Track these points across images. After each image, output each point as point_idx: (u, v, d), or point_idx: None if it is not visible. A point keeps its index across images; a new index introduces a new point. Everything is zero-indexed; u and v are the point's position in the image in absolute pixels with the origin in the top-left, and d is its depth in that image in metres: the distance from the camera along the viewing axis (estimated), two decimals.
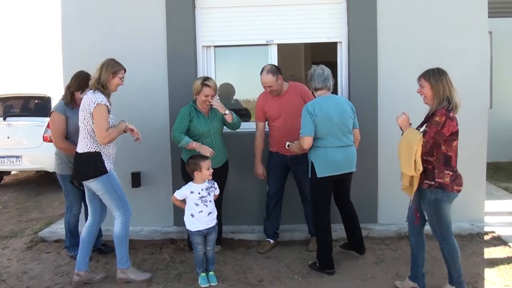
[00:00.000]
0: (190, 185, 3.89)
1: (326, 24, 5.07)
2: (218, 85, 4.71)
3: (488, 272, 4.05)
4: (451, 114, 3.31)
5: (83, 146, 3.75)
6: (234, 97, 5.52)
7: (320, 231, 4.10)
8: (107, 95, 3.77)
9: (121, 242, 3.89)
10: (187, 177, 4.22)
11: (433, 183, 3.36)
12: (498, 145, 8.23)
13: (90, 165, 3.73)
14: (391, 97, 4.90)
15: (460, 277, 3.46)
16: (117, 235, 3.88)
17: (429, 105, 3.46)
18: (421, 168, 3.31)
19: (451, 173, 3.35)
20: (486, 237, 4.88)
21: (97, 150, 3.74)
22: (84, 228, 3.97)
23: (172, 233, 4.86)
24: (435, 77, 3.40)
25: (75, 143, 3.93)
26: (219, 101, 4.36)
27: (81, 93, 3.95)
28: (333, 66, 5.12)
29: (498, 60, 9.50)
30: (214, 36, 5.12)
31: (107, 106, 3.70)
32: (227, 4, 5.09)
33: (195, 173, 3.85)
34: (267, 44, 5.09)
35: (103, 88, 3.73)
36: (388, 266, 4.16)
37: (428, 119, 3.44)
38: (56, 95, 6.60)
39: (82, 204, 4.44)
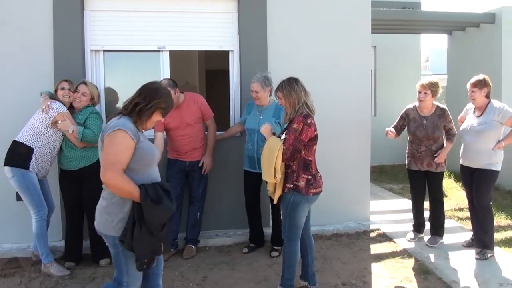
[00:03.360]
0: None
1: (218, 33, 5.11)
2: (103, 90, 4.93)
3: (375, 267, 4.32)
4: (308, 121, 3.43)
5: (23, 136, 4.09)
6: (118, 104, 5.32)
7: None
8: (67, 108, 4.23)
9: (38, 239, 4.14)
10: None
11: (292, 186, 3.48)
12: (382, 150, 8.84)
13: (16, 153, 4.03)
14: None
15: (290, 281, 3.62)
16: (34, 233, 4.15)
17: (289, 113, 3.54)
18: (279, 176, 3.42)
19: (308, 177, 3.48)
20: (372, 234, 5.22)
21: (31, 146, 4.06)
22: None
23: (61, 248, 4.54)
24: (286, 87, 3.52)
25: None
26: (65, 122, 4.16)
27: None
28: (225, 74, 5.21)
29: (382, 72, 10.30)
30: (104, 40, 4.91)
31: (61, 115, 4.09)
32: (118, 7, 4.92)
33: None
34: (158, 51, 5.01)
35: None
36: (281, 267, 4.27)
37: (288, 126, 3.55)
38: None
39: None
